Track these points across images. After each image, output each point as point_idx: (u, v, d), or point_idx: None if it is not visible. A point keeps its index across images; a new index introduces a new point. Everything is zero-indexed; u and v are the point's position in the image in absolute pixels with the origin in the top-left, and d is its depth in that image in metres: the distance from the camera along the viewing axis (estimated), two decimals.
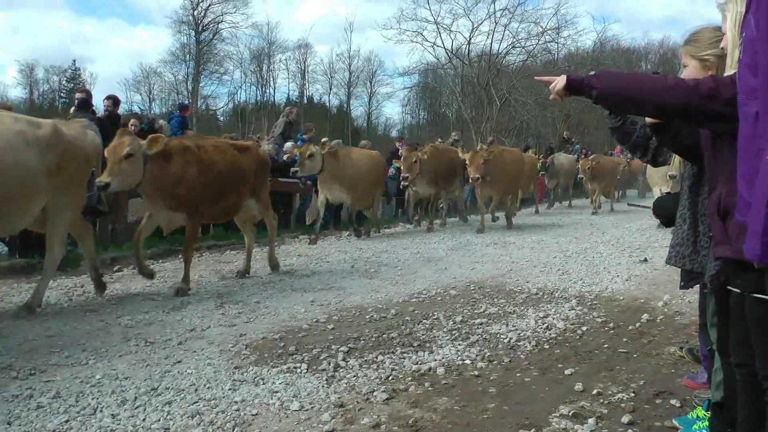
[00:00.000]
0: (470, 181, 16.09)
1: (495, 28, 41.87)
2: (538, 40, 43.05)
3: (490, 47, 42.25)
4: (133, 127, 11.74)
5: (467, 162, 15.70)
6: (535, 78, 3.56)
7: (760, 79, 2.32)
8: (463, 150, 17.26)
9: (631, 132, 4.17)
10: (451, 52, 42.98)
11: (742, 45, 2.53)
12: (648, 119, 3.48)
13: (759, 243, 2.25)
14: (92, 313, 7.29)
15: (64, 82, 58.91)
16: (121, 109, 14.79)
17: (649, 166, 8.52)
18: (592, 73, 3.01)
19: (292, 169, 13.04)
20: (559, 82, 3.07)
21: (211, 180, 8.61)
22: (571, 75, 3.04)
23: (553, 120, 44.46)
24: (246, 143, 10.89)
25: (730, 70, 2.92)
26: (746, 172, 2.42)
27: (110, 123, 11.53)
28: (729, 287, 2.93)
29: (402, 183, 15.82)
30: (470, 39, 42.43)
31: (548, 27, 42.38)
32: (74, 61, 59.77)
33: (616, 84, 2.93)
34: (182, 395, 4.78)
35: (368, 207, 16.08)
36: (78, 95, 12.62)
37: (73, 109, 12.82)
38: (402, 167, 15.40)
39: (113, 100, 12.88)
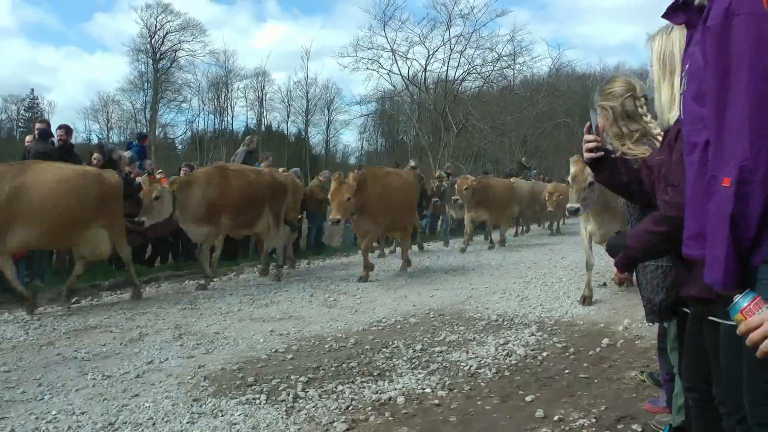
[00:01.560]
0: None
1: (450, 54, 42.35)
2: (494, 66, 43.58)
3: (446, 74, 42.68)
4: (95, 161, 11.61)
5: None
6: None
7: (708, 108, 2.35)
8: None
9: (618, 168, 3.93)
10: (408, 79, 43.36)
11: (686, 77, 2.56)
12: (586, 155, 3.49)
13: (722, 270, 2.25)
14: (48, 347, 7.18)
15: (22, 111, 58.29)
16: (80, 138, 14.68)
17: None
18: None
19: (137, 219, 10.40)
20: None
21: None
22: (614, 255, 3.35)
23: (510, 145, 44.87)
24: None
25: (658, 103, 3.09)
26: (696, 203, 2.44)
27: (64, 152, 11.38)
28: (685, 309, 2.95)
29: (330, 222, 12.76)
30: (426, 66, 42.88)
31: (503, 53, 42.90)
32: (32, 90, 59.21)
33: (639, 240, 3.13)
34: (140, 430, 4.72)
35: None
36: (38, 125, 12.46)
37: (30, 137, 12.67)
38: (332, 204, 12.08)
39: (65, 130, 12.70)
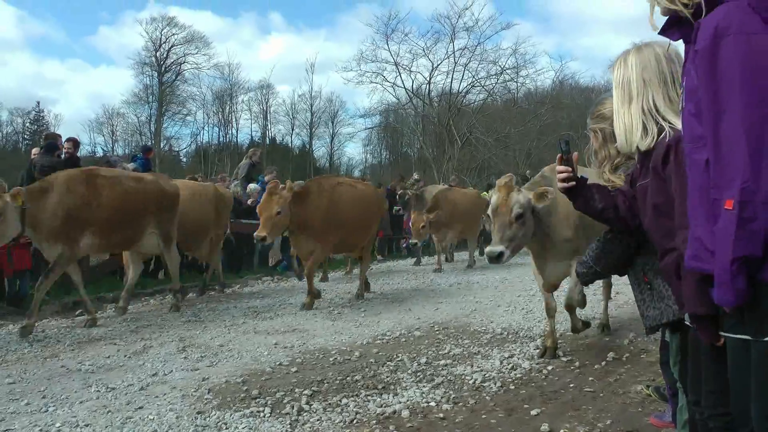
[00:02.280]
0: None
1: (454, 67, 42.40)
2: (497, 79, 43.60)
3: (450, 86, 42.72)
4: None
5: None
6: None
7: (705, 128, 2.36)
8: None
9: (592, 196, 3.59)
10: (412, 92, 43.38)
11: (684, 94, 2.57)
12: (560, 185, 3.53)
13: (731, 291, 2.26)
14: (53, 359, 7.19)
15: (27, 124, 58.46)
16: (85, 151, 14.74)
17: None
18: None
19: None
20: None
21: None
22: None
23: (514, 158, 44.86)
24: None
25: (619, 128, 3.15)
26: (700, 219, 2.44)
27: (71, 165, 11.43)
28: (686, 323, 2.94)
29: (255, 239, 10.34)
30: (430, 79, 42.93)
31: (507, 66, 42.93)
32: (38, 102, 59.29)
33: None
34: None
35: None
36: (47, 139, 12.55)
37: (36, 150, 12.74)
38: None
39: (73, 143, 12.79)
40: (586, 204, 3.50)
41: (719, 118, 2.29)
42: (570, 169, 3.54)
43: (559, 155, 3.58)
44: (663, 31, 2.76)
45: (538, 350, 7.36)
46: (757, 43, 2.21)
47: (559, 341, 7.82)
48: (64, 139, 12.92)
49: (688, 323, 2.83)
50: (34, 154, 12.61)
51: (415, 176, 22.69)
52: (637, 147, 3.08)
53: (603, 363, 6.85)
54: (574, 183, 3.49)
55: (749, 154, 2.18)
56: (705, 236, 2.41)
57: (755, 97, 2.18)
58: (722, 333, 2.53)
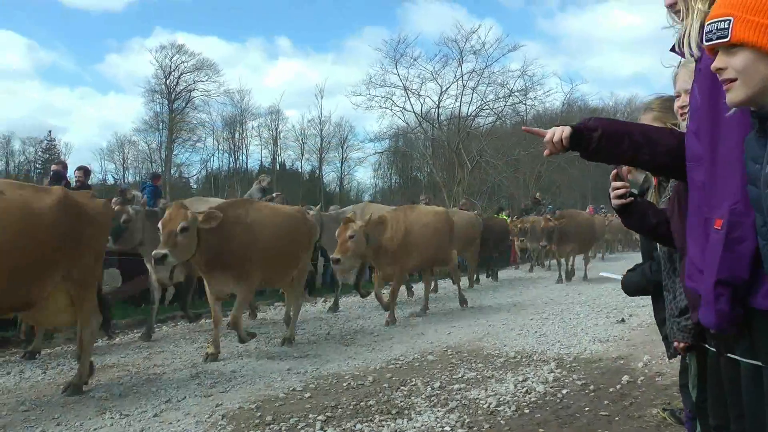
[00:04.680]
0: None
1: (463, 91, 42.38)
2: (506, 102, 43.59)
3: (459, 110, 42.74)
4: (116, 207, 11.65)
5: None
6: (524, 128, 3.47)
7: (703, 146, 2.37)
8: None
9: (645, 212, 3.48)
10: (421, 116, 43.36)
11: (689, 113, 2.58)
12: (614, 201, 3.43)
13: (713, 312, 2.27)
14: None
15: (39, 152, 58.89)
16: (96, 179, 14.79)
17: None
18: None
19: None
20: (562, 131, 2.88)
21: None
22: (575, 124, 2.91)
23: (524, 181, 44.83)
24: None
25: None
26: (697, 238, 2.44)
27: None
28: (706, 345, 2.93)
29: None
30: (439, 102, 42.89)
31: (515, 89, 42.93)
32: (50, 132, 59.97)
33: (614, 123, 2.90)
34: None
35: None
36: (54, 167, 12.61)
37: (47, 180, 12.80)
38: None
39: (84, 171, 12.87)
40: (641, 221, 3.37)
41: (717, 137, 2.30)
42: (627, 184, 3.47)
43: (614, 171, 3.50)
44: (673, 49, 2.78)
45: (552, 373, 7.32)
46: None
47: (574, 364, 7.79)
48: (73, 168, 12.99)
49: (706, 345, 2.83)
50: (44, 184, 12.68)
51: (423, 200, 22.61)
52: None
53: (618, 386, 6.81)
54: (631, 199, 3.38)
55: (742, 177, 2.18)
56: (696, 256, 2.42)
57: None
58: (733, 356, 2.52)
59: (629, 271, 4.17)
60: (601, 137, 2.79)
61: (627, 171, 3.65)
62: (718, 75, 2.13)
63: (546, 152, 2.97)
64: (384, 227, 11.47)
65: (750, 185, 2.13)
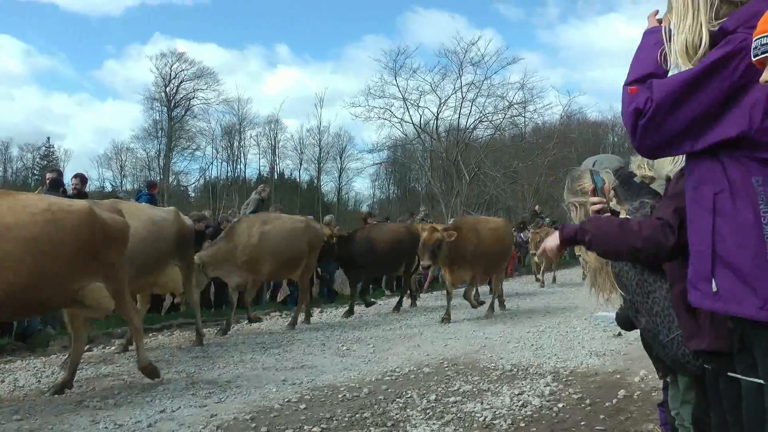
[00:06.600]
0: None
1: (462, 102, 42.43)
2: (505, 114, 43.60)
3: (458, 122, 42.78)
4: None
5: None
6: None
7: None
8: None
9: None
10: (420, 128, 43.39)
11: None
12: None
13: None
14: (61, 395, 7.13)
15: (38, 159, 58.88)
16: (94, 186, 14.77)
17: None
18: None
19: None
20: (552, 240, 3.04)
21: None
22: (564, 227, 2.99)
23: (522, 194, 44.83)
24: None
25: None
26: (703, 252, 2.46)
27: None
28: (705, 365, 2.92)
29: None
30: (438, 114, 42.92)
31: (514, 101, 42.95)
32: (48, 138, 60.06)
33: (602, 226, 2.90)
34: None
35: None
36: (49, 175, 12.57)
37: (42, 187, 12.77)
38: None
39: (80, 179, 12.82)
40: None
41: None
42: (604, 200, 3.49)
43: (591, 186, 3.53)
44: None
45: (548, 387, 7.30)
46: None
47: (570, 378, 7.78)
48: (69, 175, 12.94)
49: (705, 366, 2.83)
50: (40, 191, 12.65)
51: (423, 211, 22.64)
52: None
53: (614, 401, 6.80)
54: (608, 215, 3.39)
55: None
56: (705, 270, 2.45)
57: None
58: (734, 375, 2.52)
59: (622, 306, 4.15)
60: (591, 241, 2.88)
61: (608, 189, 3.65)
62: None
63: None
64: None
65: None
